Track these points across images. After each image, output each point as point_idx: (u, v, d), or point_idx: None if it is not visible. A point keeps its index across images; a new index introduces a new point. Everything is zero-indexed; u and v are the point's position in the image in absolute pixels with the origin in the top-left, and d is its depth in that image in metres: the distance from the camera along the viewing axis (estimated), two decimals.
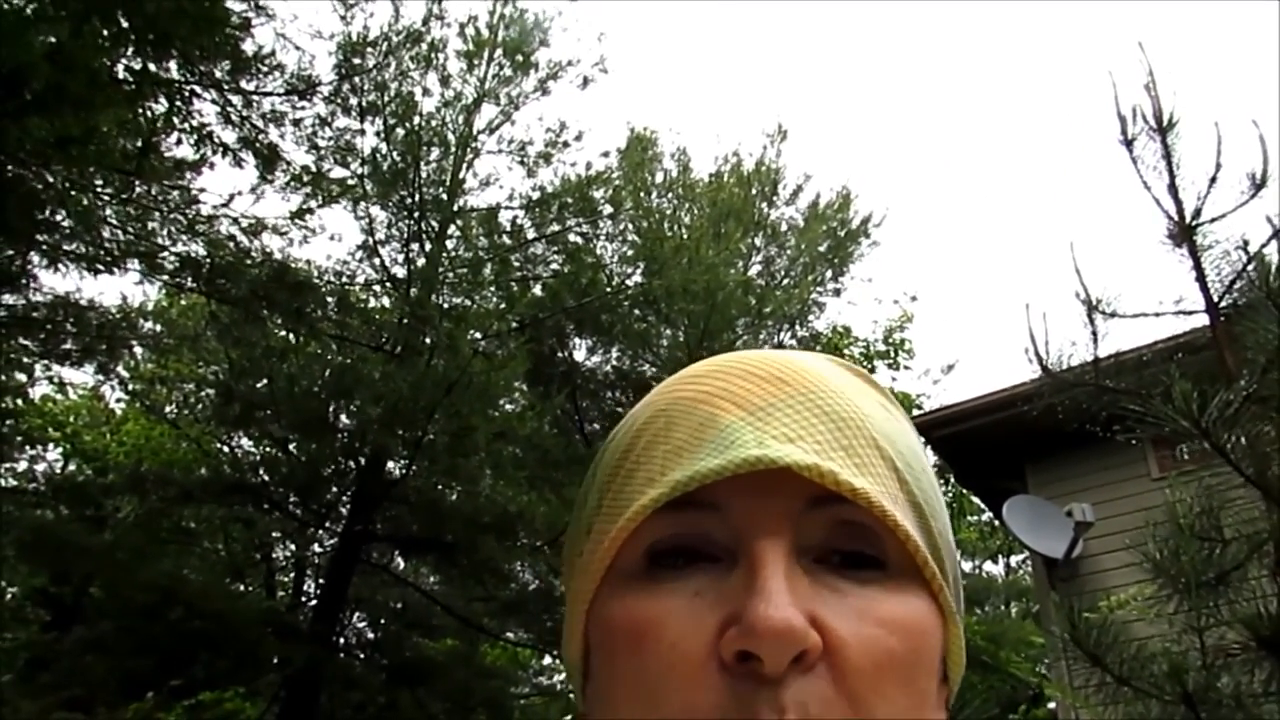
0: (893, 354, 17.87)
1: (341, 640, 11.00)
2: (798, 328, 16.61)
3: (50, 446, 17.73)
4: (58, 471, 16.36)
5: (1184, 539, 2.76)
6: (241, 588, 14.68)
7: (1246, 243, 2.99)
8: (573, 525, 0.61)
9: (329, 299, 10.17)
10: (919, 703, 0.50)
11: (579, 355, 14.98)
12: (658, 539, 0.51)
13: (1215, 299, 3.02)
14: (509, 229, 13.27)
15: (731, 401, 0.53)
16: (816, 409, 0.53)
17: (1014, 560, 21.24)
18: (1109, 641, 2.75)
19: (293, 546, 16.40)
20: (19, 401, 12.44)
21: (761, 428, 0.51)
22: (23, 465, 12.84)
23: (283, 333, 10.30)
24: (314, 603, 11.06)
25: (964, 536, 19.14)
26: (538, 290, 13.40)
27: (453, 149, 12.46)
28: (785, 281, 16.45)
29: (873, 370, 17.77)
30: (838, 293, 17.18)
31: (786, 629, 0.44)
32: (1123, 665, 2.72)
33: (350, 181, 11.11)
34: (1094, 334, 3.34)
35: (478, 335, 10.21)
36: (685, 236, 14.34)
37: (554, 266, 13.64)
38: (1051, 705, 11.16)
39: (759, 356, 0.58)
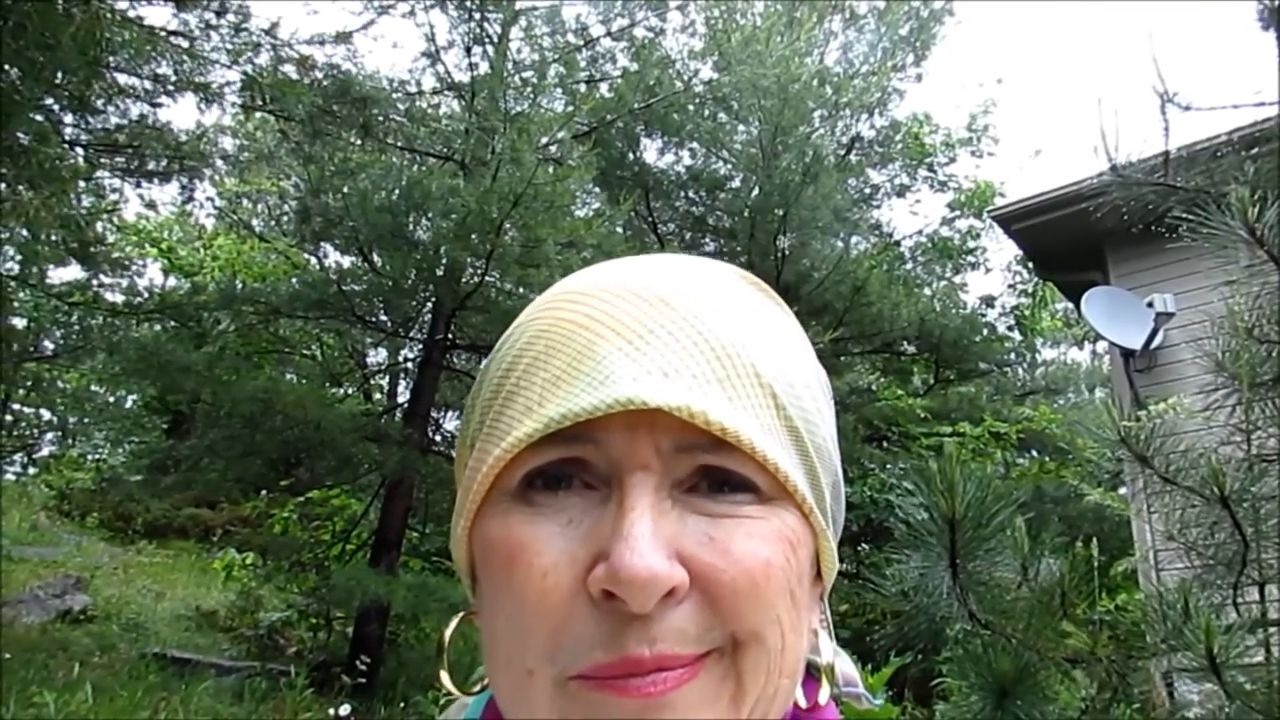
0: (976, 140, 17.15)
1: (434, 441, 11.55)
2: (876, 117, 16.01)
3: (148, 262, 18.47)
4: (158, 288, 17.10)
5: (1241, 340, 2.71)
6: (340, 392, 15.42)
7: None
8: (461, 429, 0.63)
9: (395, 110, 10.11)
10: (797, 606, 0.54)
11: (649, 157, 14.76)
12: (535, 466, 0.53)
13: None
14: (573, 27, 12.85)
15: (610, 328, 0.54)
16: (697, 336, 0.54)
17: (1100, 347, 20.96)
18: (1157, 445, 2.75)
19: (384, 353, 17.10)
20: (113, 221, 12.86)
21: (638, 359, 0.52)
22: (125, 283, 13.39)
23: (354, 145, 10.33)
24: (403, 407, 11.59)
25: (1047, 325, 18.91)
26: (605, 90, 13.08)
27: None
28: (864, 69, 15.71)
29: (954, 159, 17.18)
30: (919, 78, 16.38)
31: (648, 577, 0.47)
32: (1169, 467, 2.73)
33: None
34: (1166, 127, 3.18)
35: (544, 142, 10.08)
36: (757, 24, 13.71)
37: (621, 64, 13.25)
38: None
39: (645, 271, 0.58)
